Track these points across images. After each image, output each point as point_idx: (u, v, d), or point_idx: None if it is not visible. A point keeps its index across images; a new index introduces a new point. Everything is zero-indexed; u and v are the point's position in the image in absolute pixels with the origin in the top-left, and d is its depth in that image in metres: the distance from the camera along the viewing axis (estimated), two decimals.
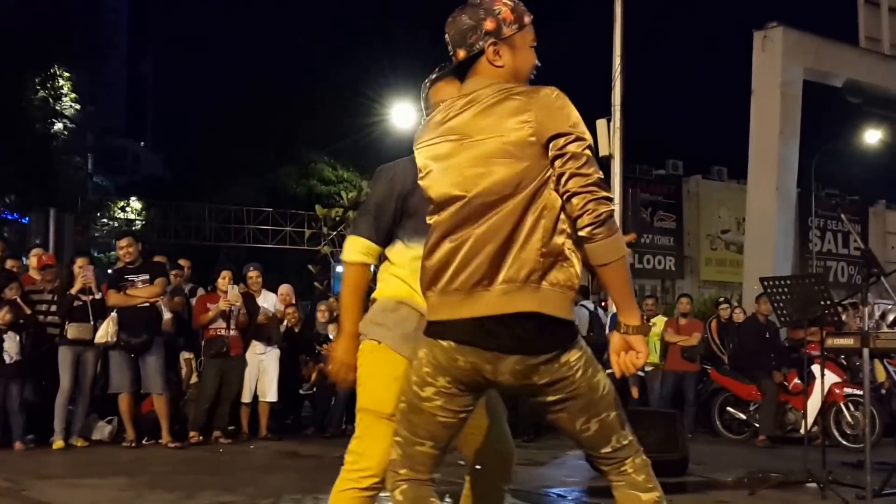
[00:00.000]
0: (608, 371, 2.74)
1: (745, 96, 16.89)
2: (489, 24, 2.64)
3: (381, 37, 33.37)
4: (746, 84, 16.85)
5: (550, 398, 2.61)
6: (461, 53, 2.68)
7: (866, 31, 17.50)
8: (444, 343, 2.57)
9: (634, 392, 10.92)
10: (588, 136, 2.55)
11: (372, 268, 3.29)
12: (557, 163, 2.51)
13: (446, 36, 2.73)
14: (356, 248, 3.22)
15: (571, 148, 2.49)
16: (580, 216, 2.47)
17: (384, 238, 3.21)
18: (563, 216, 2.53)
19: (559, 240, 2.53)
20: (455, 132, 2.62)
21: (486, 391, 2.78)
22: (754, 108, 16.54)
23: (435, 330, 2.61)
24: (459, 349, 2.55)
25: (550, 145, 2.51)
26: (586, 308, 11.01)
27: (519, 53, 2.68)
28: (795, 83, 16.52)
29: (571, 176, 2.48)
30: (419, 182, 2.75)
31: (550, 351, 2.53)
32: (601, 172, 2.53)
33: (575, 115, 2.55)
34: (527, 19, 2.69)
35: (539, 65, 2.74)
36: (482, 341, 2.53)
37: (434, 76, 2.96)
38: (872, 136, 24.00)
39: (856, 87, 16.96)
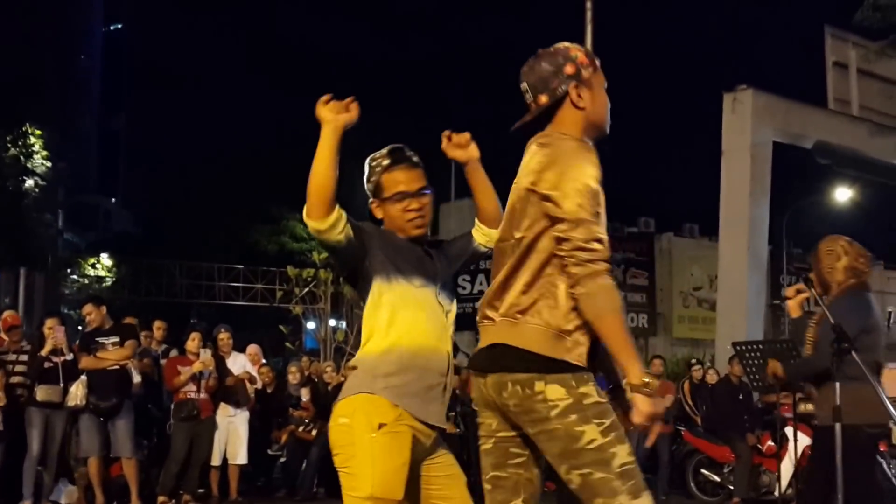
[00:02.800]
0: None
1: (715, 154, 17.06)
2: (569, 69, 2.79)
3: (354, 92, 33.61)
4: (717, 143, 17.03)
5: (530, 430, 2.71)
6: (543, 99, 2.81)
7: (835, 93, 17.75)
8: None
9: None
10: (588, 174, 2.73)
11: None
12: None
13: (523, 84, 2.86)
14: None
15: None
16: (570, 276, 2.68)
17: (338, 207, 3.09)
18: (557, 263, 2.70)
19: (550, 283, 2.71)
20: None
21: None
22: (724, 170, 16.70)
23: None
24: (475, 375, 2.86)
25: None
26: None
27: (597, 94, 2.83)
28: (765, 145, 16.71)
29: (564, 240, 2.67)
30: None
31: (518, 372, 2.68)
32: (596, 223, 2.67)
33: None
34: (597, 62, 2.85)
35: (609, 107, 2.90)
36: (478, 365, 2.83)
37: (519, 123, 2.92)
38: (843, 195, 24.30)
39: (825, 148, 17.18)
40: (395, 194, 3.21)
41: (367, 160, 3.31)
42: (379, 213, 3.28)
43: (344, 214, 3.09)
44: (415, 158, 3.28)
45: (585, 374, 2.70)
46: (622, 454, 2.64)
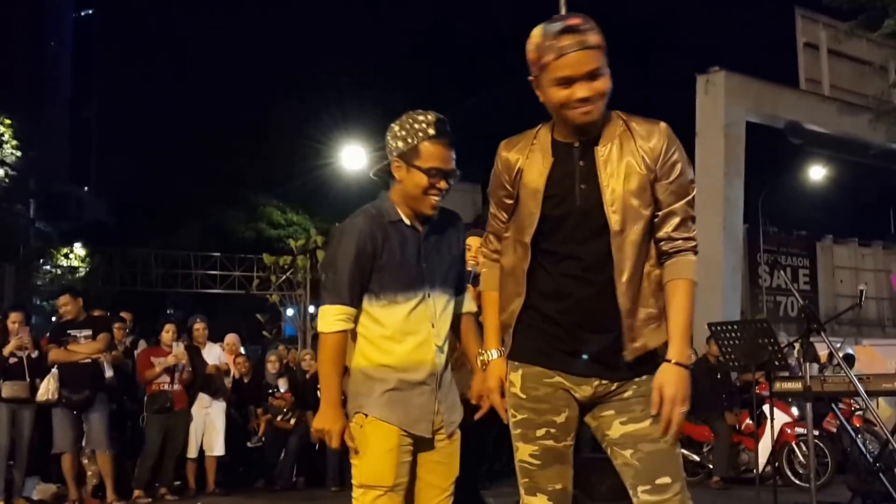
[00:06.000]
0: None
1: (690, 135, 17.12)
2: (531, 66, 2.65)
3: (331, 80, 33.39)
4: (691, 124, 17.09)
5: None
6: None
7: (806, 73, 17.89)
8: None
9: None
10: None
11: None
12: None
13: None
14: (334, 316, 3.10)
15: None
16: None
17: (359, 300, 3.13)
18: None
19: None
20: None
21: None
22: (699, 150, 16.76)
23: None
24: None
25: None
26: None
27: (544, 92, 2.62)
28: (738, 125, 16.80)
29: None
30: None
31: None
32: (488, 220, 2.89)
33: None
34: (547, 58, 2.56)
35: (576, 98, 2.57)
36: None
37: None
38: (817, 173, 24.48)
39: (797, 128, 17.29)
40: (431, 168, 3.10)
41: (408, 116, 3.16)
42: (399, 175, 3.16)
43: (350, 312, 3.13)
44: (452, 140, 3.18)
45: (521, 363, 2.74)
46: (522, 452, 2.70)
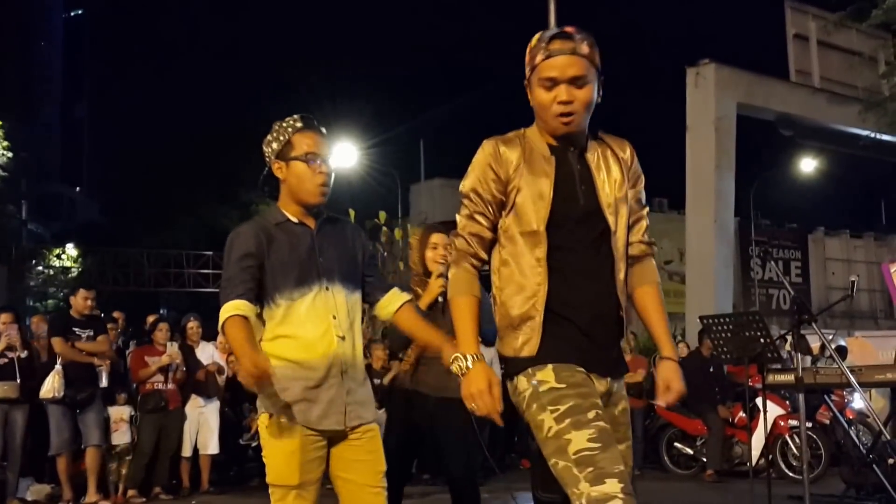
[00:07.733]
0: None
1: (682, 128, 17.11)
2: (526, 69, 2.72)
3: (322, 77, 33.37)
4: (683, 116, 17.08)
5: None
6: None
7: (796, 65, 17.88)
8: None
9: None
10: (464, 184, 2.77)
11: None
12: None
13: None
14: (228, 309, 3.08)
15: None
16: None
17: (254, 295, 3.13)
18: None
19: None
20: None
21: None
22: (690, 144, 16.76)
23: None
24: None
25: None
26: None
27: (534, 94, 2.70)
28: (729, 118, 16.79)
29: None
30: None
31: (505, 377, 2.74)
32: (461, 221, 2.77)
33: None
34: (538, 59, 2.65)
35: (558, 100, 2.63)
36: None
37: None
38: (808, 166, 24.52)
39: (788, 120, 17.31)
40: (307, 154, 3.21)
41: (274, 125, 3.30)
42: (281, 174, 3.26)
43: (245, 305, 3.09)
44: (324, 130, 3.32)
45: (547, 363, 2.65)
46: (578, 440, 2.52)
